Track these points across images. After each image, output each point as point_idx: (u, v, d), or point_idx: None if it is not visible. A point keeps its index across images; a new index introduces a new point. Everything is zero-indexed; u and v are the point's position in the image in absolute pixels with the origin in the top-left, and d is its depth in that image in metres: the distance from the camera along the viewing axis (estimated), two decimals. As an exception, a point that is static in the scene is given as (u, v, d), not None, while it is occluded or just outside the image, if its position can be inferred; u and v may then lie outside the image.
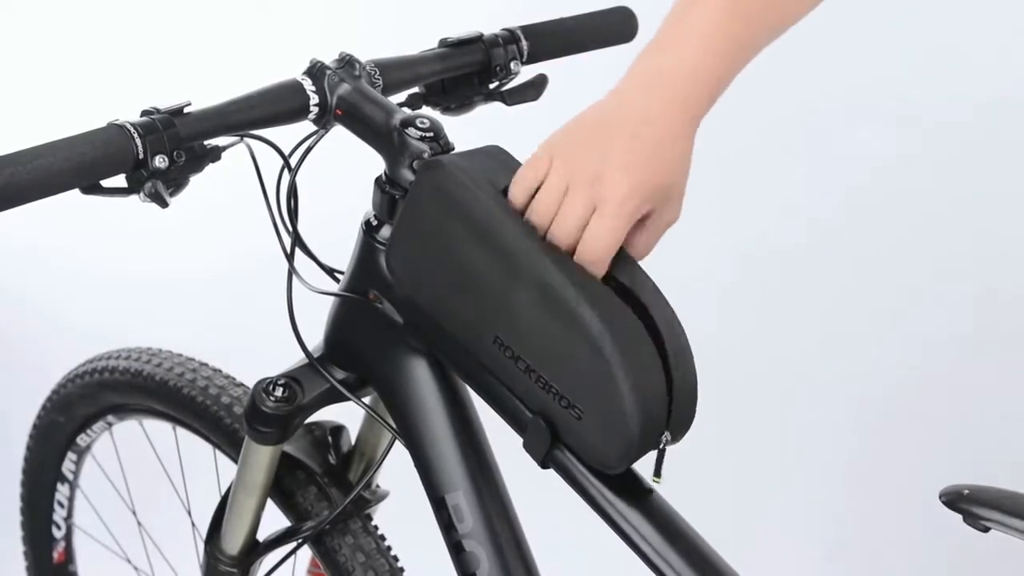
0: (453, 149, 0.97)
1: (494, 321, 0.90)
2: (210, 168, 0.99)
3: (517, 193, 0.90)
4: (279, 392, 1.08)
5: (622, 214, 0.87)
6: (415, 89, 1.14)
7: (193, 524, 1.47)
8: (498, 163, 0.93)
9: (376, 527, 1.21)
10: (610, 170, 0.87)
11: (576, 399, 0.87)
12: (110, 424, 1.46)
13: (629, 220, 0.87)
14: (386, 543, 1.21)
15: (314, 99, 1.01)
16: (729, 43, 0.92)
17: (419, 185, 0.93)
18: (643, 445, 0.87)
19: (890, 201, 2.45)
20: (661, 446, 0.88)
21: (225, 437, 1.26)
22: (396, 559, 1.20)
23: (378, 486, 1.24)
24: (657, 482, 0.89)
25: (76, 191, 0.92)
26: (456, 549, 1.03)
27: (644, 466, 0.91)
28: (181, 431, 1.36)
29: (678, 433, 0.89)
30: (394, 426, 1.07)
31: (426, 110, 1.14)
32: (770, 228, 2.50)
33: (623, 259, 0.90)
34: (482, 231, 0.89)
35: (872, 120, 2.46)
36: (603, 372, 0.84)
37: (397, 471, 1.17)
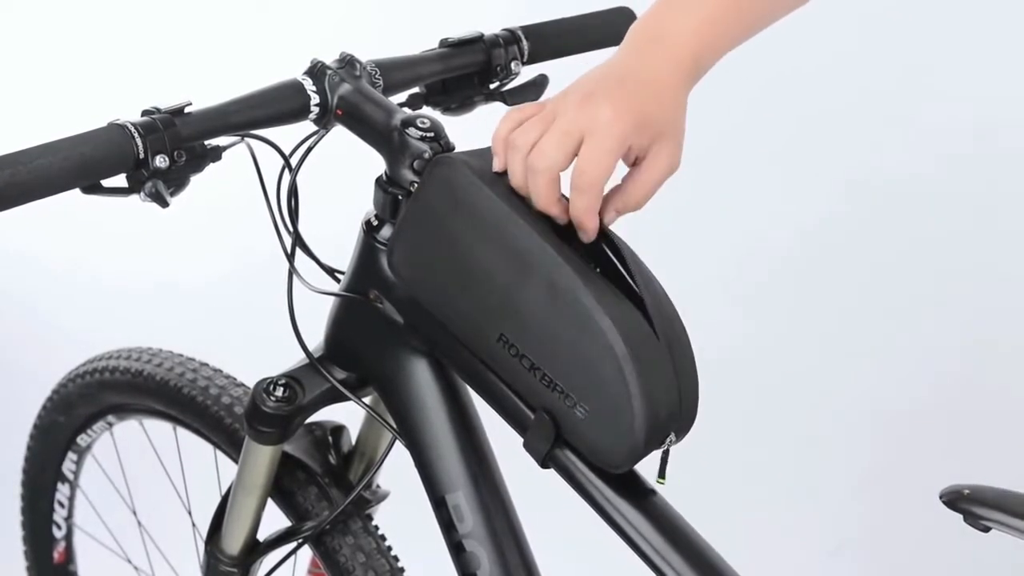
0: (454, 149, 0.97)
1: (499, 319, 0.90)
2: (211, 168, 0.99)
3: (501, 129, 0.91)
4: (279, 392, 1.08)
5: (610, 134, 0.86)
6: (416, 89, 1.14)
7: (193, 524, 1.47)
8: None
9: (376, 527, 1.21)
10: (596, 99, 0.88)
11: (581, 398, 0.87)
12: (110, 424, 1.46)
13: (618, 143, 0.87)
14: (386, 543, 1.21)
15: (315, 99, 1.01)
16: (723, 17, 0.93)
17: (427, 182, 0.93)
18: (648, 445, 0.87)
19: (902, 211, 2.45)
20: (666, 447, 0.88)
21: (225, 437, 1.26)
22: (396, 559, 1.20)
23: (378, 486, 1.24)
24: (662, 483, 0.89)
25: (77, 191, 0.92)
26: (457, 549, 1.03)
27: (644, 466, 0.91)
28: (181, 431, 1.36)
29: (681, 432, 0.89)
30: (394, 426, 1.07)
31: (427, 110, 1.14)
32: (781, 235, 2.50)
33: (629, 256, 0.90)
34: (491, 228, 0.89)
35: (887, 126, 2.46)
36: (614, 374, 0.84)
37: (397, 471, 1.17)
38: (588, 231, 0.89)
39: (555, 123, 0.88)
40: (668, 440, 0.88)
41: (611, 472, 0.90)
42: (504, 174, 0.91)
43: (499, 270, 0.89)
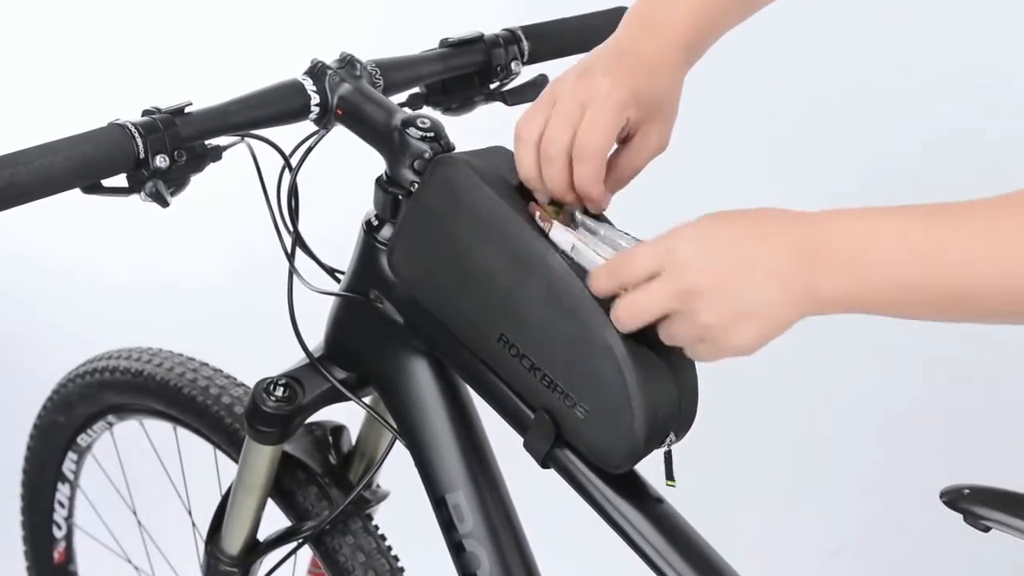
0: (454, 149, 0.97)
1: (499, 319, 0.90)
2: (211, 168, 0.99)
3: (522, 129, 0.91)
4: (280, 392, 1.08)
5: (610, 104, 0.87)
6: (416, 89, 1.14)
7: (193, 524, 1.47)
8: (507, 163, 0.92)
9: (376, 527, 1.21)
10: (594, 73, 0.88)
11: (581, 398, 0.87)
12: (111, 424, 1.46)
13: (618, 110, 0.88)
14: (386, 543, 1.21)
15: (315, 99, 1.01)
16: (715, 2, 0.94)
17: (428, 181, 0.93)
18: (648, 445, 0.87)
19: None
20: (667, 447, 0.88)
21: (226, 437, 1.26)
22: (396, 559, 1.20)
23: (378, 486, 1.24)
24: (672, 485, 0.89)
25: (77, 191, 0.92)
26: (457, 549, 1.03)
27: (646, 466, 0.91)
28: (181, 431, 1.36)
29: (680, 432, 0.89)
30: (394, 426, 1.07)
31: (427, 110, 1.14)
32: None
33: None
34: (492, 228, 0.89)
35: (890, 123, 2.45)
36: (613, 374, 0.84)
37: (397, 471, 1.17)
38: (595, 199, 0.89)
39: (556, 106, 0.89)
40: (668, 440, 0.88)
41: (611, 472, 0.90)
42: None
43: (499, 270, 0.89)
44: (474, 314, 0.92)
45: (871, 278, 0.75)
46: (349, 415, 1.22)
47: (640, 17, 0.94)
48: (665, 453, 0.88)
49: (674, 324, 0.80)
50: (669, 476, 0.89)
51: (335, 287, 1.09)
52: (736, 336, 0.79)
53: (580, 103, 0.88)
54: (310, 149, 1.04)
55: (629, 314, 0.82)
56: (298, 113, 1.01)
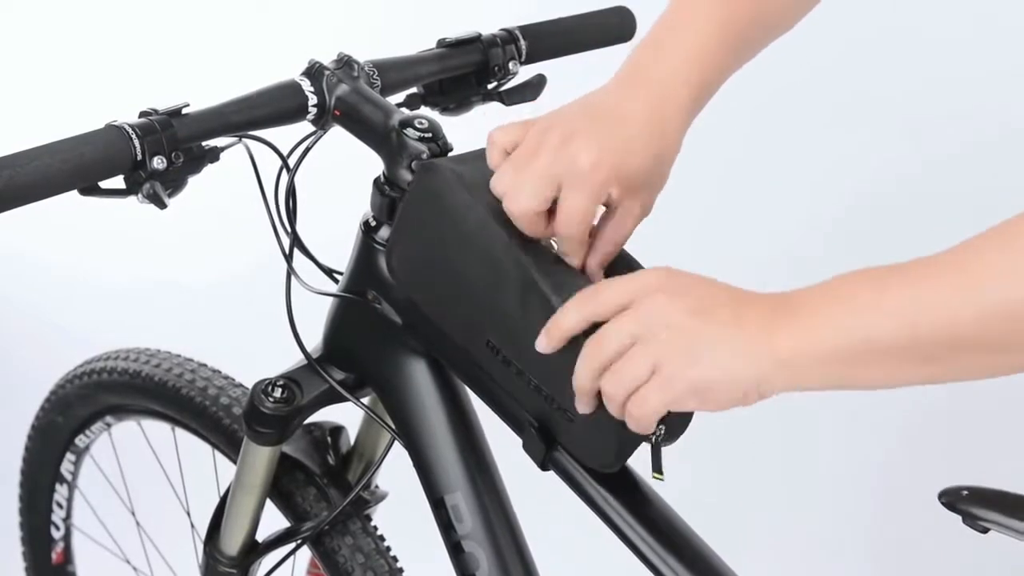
0: (452, 149, 0.97)
1: (485, 325, 0.90)
2: (209, 169, 0.99)
3: (493, 155, 0.89)
4: (278, 393, 1.08)
5: (590, 186, 0.85)
6: (413, 90, 1.14)
7: (192, 525, 1.47)
8: None
9: (375, 527, 1.21)
10: (579, 140, 0.86)
11: (565, 403, 0.87)
12: (109, 425, 1.46)
13: (598, 191, 0.86)
14: (385, 543, 1.21)
15: (313, 100, 1.01)
16: (717, 53, 0.92)
17: (414, 188, 0.93)
18: (636, 440, 0.86)
19: (908, 212, 2.44)
20: (654, 440, 0.87)
21: (224, 438, 1.26)
22: (395, 559, 1.20)
23: (377, 486, 1.24)
24: (659, 479, 0.88)
25: (75, 192, 0.92)
26: (455, 550, 1.03)
27: (643, 467, 0.91)
28: (180, 432, 1.36)
29: (671, 427, 0.87)
30: (393, 427, 1.07)
31: (424, 110, 1.14)
32: (788, 234, 2.50)
33: (620, 257, 0.90)
34: (470, 235, 0.89)
35: (904, 129, 2.45)
36: None
37: (396, 471, 1.17)
38: (575, 266, 0.89)
39: (534, 163, 0.86)
40: (658, 431, 0.85)
41: (604, 472, 0.90)
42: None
43: (480, 277, 0.89)
44: (463, 319, 0.93)
45: (833, 329, 0.76)
46: (348, 416, 1.21)
47: (634, 76, 0.91)
48: (652, 446, 0.87)
49: (628, 358, 0.78)
50: (656, 469, 0.87)
51: (333, 288, 1.08)
52: (688, 371, 0.77)
53: (558, 176, 0.85)
54: (308, 150, 1.03)
55: (597, 347, 0.79)
56: (296, 114, 1.01)
